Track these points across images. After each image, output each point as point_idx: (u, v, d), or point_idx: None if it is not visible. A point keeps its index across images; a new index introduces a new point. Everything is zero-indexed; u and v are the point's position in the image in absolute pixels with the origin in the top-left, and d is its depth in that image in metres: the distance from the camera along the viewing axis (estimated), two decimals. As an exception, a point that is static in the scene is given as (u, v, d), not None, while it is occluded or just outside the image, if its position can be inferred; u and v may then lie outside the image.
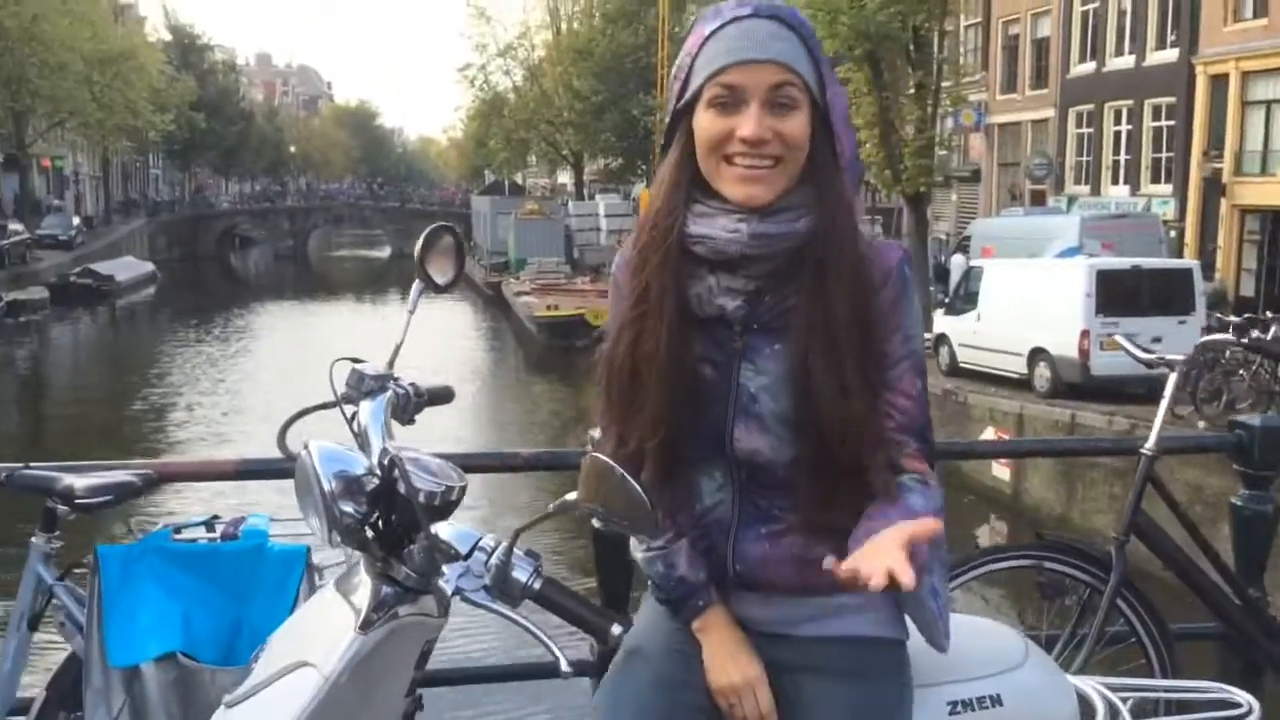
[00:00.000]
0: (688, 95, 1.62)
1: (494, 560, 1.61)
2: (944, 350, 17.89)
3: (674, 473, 1.70)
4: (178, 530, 2.42)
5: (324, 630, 1.75)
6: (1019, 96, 31.19)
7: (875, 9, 19.28)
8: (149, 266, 48.84)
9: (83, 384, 26.78)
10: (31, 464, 2.45)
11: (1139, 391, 13.34)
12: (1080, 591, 2.84)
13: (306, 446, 1.74)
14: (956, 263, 22.09)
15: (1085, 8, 28.04)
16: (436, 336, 32.88)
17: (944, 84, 22.32)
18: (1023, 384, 15.82)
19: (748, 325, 1.64)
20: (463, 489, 1.73)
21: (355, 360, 2.09)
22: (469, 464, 2.88)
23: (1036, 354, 15.50)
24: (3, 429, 21.05)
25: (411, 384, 2.14)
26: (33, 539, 2.46)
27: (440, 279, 2.19)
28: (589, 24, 46.12)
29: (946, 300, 18.99)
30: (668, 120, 1.68)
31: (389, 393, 2.06)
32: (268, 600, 2.27)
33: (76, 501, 2.34)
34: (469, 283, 51.16)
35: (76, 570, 2.46)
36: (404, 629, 1.72)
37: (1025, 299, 16.02)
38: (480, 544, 1.63)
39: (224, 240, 71.23)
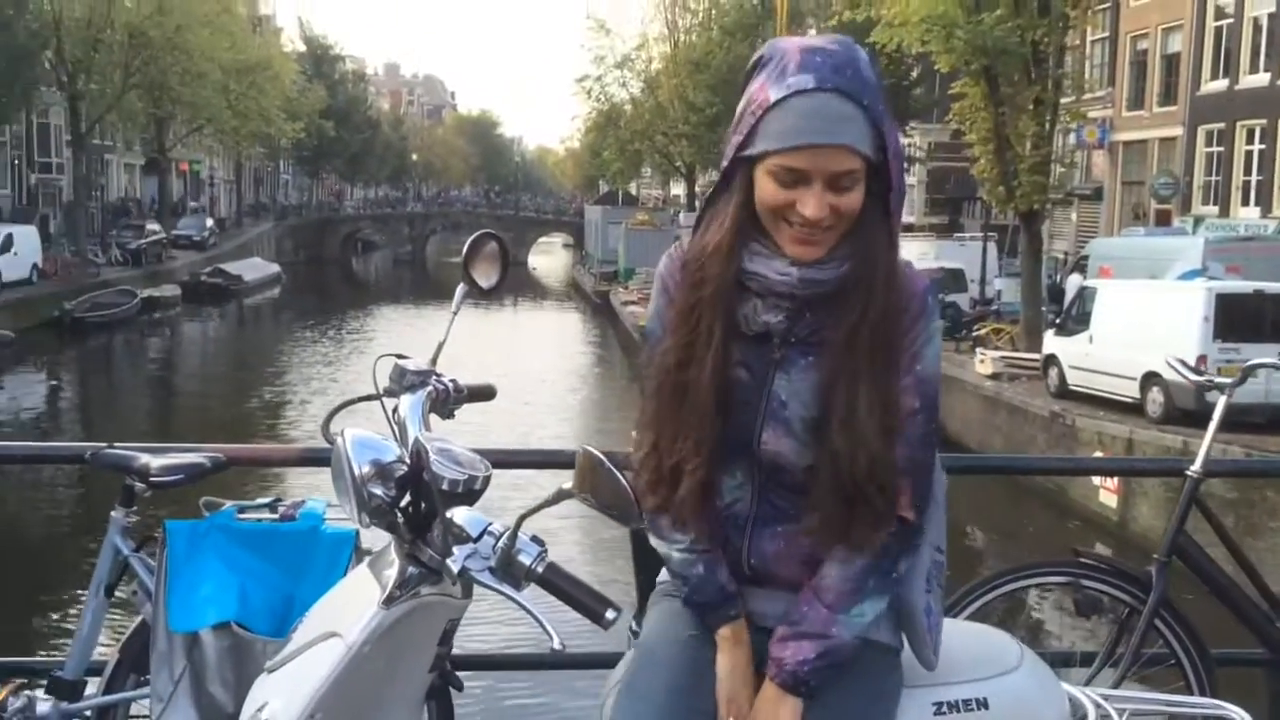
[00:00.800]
0: (750, 152, 1.68)
1: (500, 544, 1.72)
2: (1053, 371, 17.47)
3: (710, 485, 1.78)
4: (242, 510, 2.60)
5: (353, 604, 1.88)
6: (1146, 113, 30.24)
7: (992, 24, 18.95)
8: (275, 268, 50.72)
9: (207, 377, 28.04)
10: (114, 444, 2.66)
11: (1259, 421, 12.86)
12: (1119, 611, 2.82)
13: (341, 433, 1.88)
14: (1073, 282, 21.54)
15: (1219, 23, 27.06)
16: (545, 343, 33.46)
17: (1064, 100, 21.79)
18: (1134, 408, 15.36)
19: (786, 339, 1.74)
20: (487, 479, 1.84)
21: (399, 356, 2.22)
22: (514, 460, 3.03)
23: (1150, 378, 15.02)
24: (129, 414, 22.24)
25: (452, 380, 2.26)
26: (112, 513, 2.66)
27: (484, 283, 2.32)
28: (706, 36, 46.25)
29: (1058, 321, 18.55)
30: (726, 162, 1.73)
31: (429, 388, 2.18)
32: (318, 578, 2.41)
33: (152, 480, 2.52)
34: (578, 291, 51.78)
35: (151, 543, 2.65)
36: (426, 607, 1.83)
37: (1140, 321, 15.56)
38: (489, 529, 1.73)
39: (347, 244, 73.49)
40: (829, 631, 1.69)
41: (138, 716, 2.67)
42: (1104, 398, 16.16)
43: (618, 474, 1.58)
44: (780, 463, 1.74)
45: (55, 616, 9.23)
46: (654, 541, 1.88)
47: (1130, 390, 15.53)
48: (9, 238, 30.57)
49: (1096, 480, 14.06)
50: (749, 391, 1.74)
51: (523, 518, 1.69)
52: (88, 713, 2.67)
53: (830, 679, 1.70)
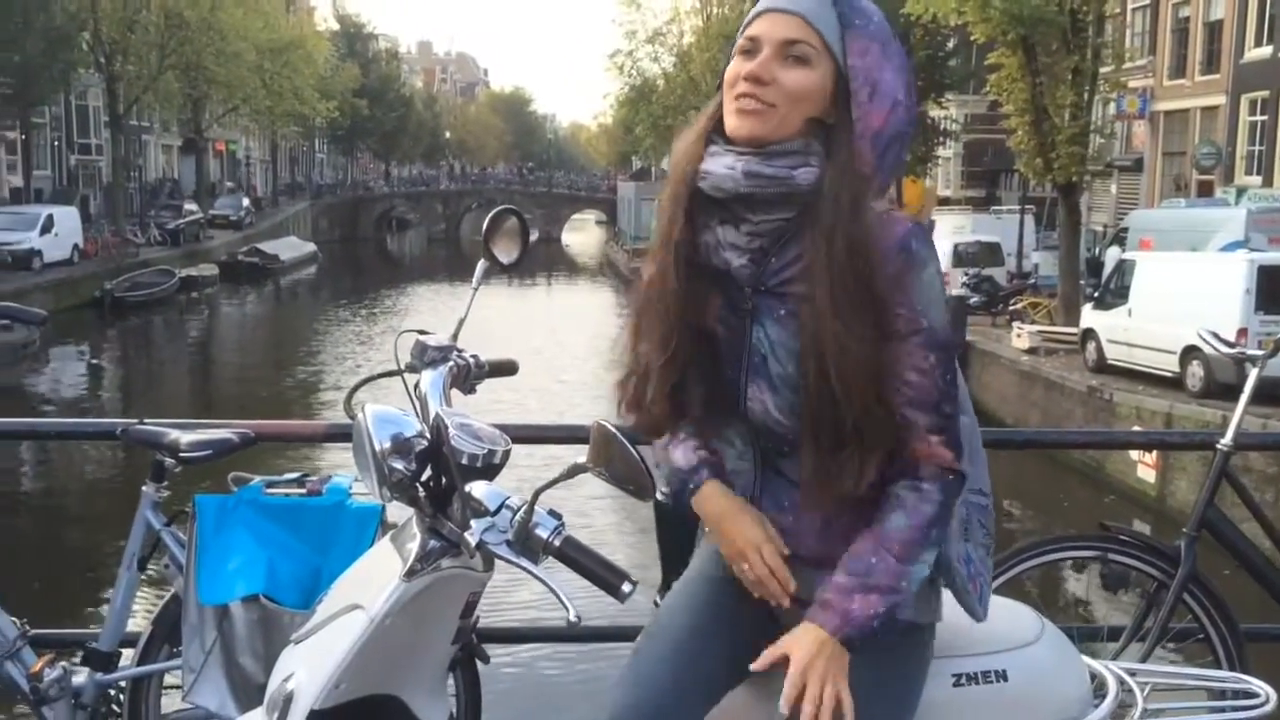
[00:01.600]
0: (731, 54, 1.72)
1: (518, 518, 1.73)
2: (1091, 345, 17.30)
3: (681, 399, 1.77)
4: (270, 485, 2.63)
5: (375, 577, 1.90)
6: (1188, 82, 29.71)
7: (1029, -8, 18.69)
8: (311, 246, 51.05)
9: (244, 355, 28.36)
10: (145, 420, 2.70)
11: (1301, 394, 12.66)
12: (1147, 585, 2.80)
13: (362, 409, 1.90)
14: (1112, 255, 21.30)
15: (1263, -12, 26.51)
16: (580, 320, 33.49)
17: (1103, 69, 21.45)
18: (1174, 383, 15.19)
19: (756, 286, 1.69)
20: (506, 453, 1.84)
21: (421, 332, 2.24)
22: (537, 436, 3.05)
23: (1190, 352, 14.84)
24: (168, 392, 22.62)
25: (473, 356, 2.27)
26: (144, 488, 2.71)
27: (504, 258, 2.32)
28: (739, 9, 45.86)
29: (1096, 294, 18.35)
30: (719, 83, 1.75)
31: (450, 363, 2.19)
32: (345, 552, 2.44)
33: (181, 455, 2.56)
34: (612, 267, 51.77)
35: (181, 517, 2.69)
36: (447, 579, 1.84)
37: (1180, 294, 15.34)
38: (507, 502, 1.74)
39: (381, 223, 73.86)
40: (898, 585, 1.63)
41: (171, 687, 2.72)
42: (1143, 372, 15.99)
43: (630, 447, 1.58)
44: (769, 424, 1.70)
45: (89, 590, 9.42)
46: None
47: (1170, 364, 15.35)
48: (50, 219, 30.99)
49: (1134, 455, 13.93)
50: (731, 347, 1.72)
51: (539, 492, 1.71)
52: (122, 683, 2.73)
53: (864, 655, 1.66)
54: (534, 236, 72.00)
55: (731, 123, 1.68)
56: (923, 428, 1.64)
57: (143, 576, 2.74)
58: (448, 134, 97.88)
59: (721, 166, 1.68)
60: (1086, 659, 1.86)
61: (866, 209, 1.64)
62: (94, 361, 25.97)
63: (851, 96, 1.66)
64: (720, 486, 1.78)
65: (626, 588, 1.67)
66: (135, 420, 2.71)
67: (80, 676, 2.70)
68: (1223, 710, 1.79)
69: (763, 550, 1.72)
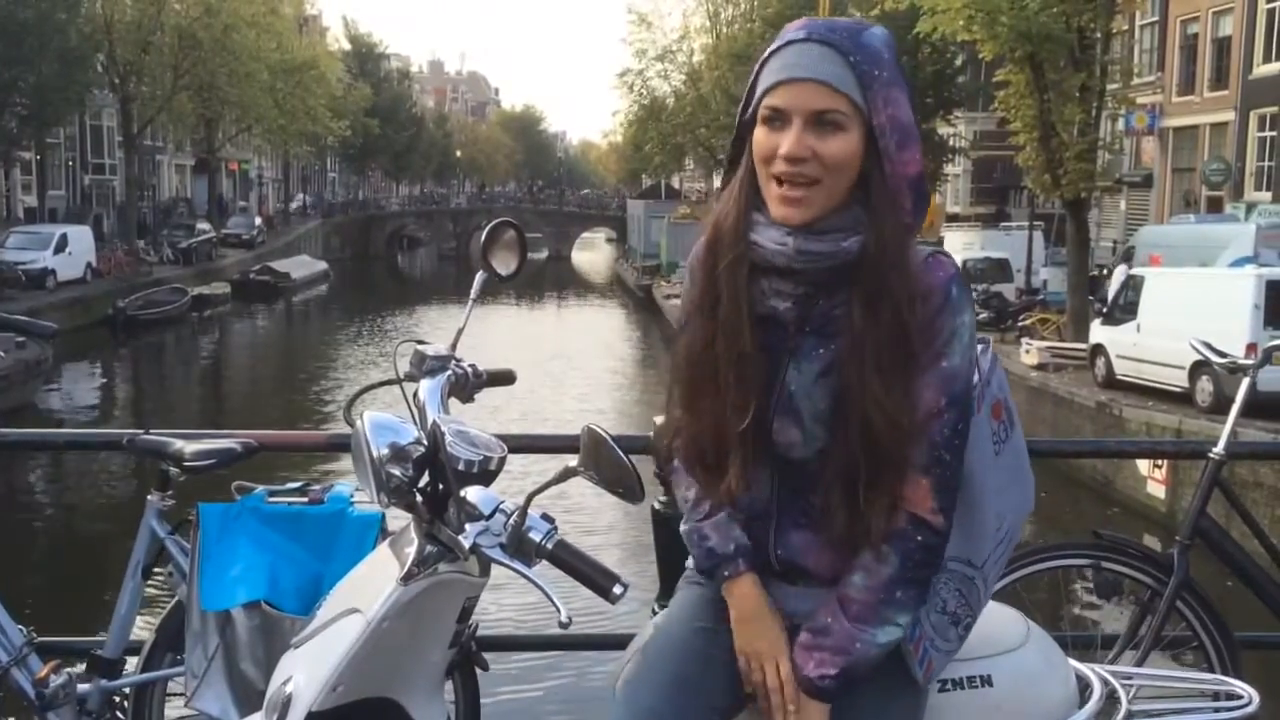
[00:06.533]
0: (748, 113, 1.70)
1: (511, 521, 1.76)
2: (1100, 361, 17.28)
3: (757, 459, 1.75)
4: (273, 493, 2.67)
5: (373, 582, 1.94)
6: (1196, 98, 29.74)
7: (1036, 9, 18.71)
8: (322, 265, 51.25)
9: (254, 372, 28.54)
10: (150, 430, 2.75)
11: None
12: (1140, 593, 2.82)
13: (361, 417, 1.93)
14: (1119, 272, 21.31)
15: (1270, 5, 26.55)
16: (590, 339, 33.55)
17: (1111, 86, 21.48)
18: (1183, 398, 15.16)
19: (800, 327, 1.70)
20: (502, 460, 1.88)
21: (420, 342, 2.27)
22: (533, 445, 3.08)
23: (1199, 367, 14.81)
24: (178, 407, 22.76)
25: (471, 365, 2.30)
26: (149, 497, 2.75)
27: (503, 270, 2.36)
28: (748, 28, 46.04)
29: (1105, 310, 18.35)
30: (733, 136, 1.75)
31: (448, 372, 2.23)
32: (346, 559, 2.46)
33: (185, 464, 2.60)
34: (622, 285, 51.84)
35: (185, 525, 2.73)
36: (444, 584, 1.87)
37: (1188, 309, 15.33)
38: (501, 506, 1.77)
39: (392, 241, 74.15)
40: (851, 648, 1.65)
41: (174, 694, 2.75)
42: (1152, 387, 15.96)
43: (619, 451, 1.61)
44: (792, 455, 1.72)
45: (95, 598, 9.46)
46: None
47: (1179, 379, 15.32)
48: (64, 238, 31.21)
49: (1144, 471, 13.90)
50: (764, 379, 1.72)
51: (531, 496, 1.73)
52: (126, 690, 2.76)
53: (873, 680, 1.68)
54: (544, 254, 72.52)
55: (778, 211, 1.67)
56: (915, 466, 1.64)
57: (147, 584, 2.78)
58: (458, 153, 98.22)
59: (771, 242, 1.68)
60: (1073, 662, 1.87)
61: (909, 257, 1.66)
62: (106, 379, 26.12)
63: (882, 152, 1.64)
64: (755, 582, 1.77)
65: (618, 590, 1.70)
66: (141, 430, 2.75)
67: (85, 683, 2.73)
68: (1204, 711, 1.81)
69: (780, 664, 1.71)
